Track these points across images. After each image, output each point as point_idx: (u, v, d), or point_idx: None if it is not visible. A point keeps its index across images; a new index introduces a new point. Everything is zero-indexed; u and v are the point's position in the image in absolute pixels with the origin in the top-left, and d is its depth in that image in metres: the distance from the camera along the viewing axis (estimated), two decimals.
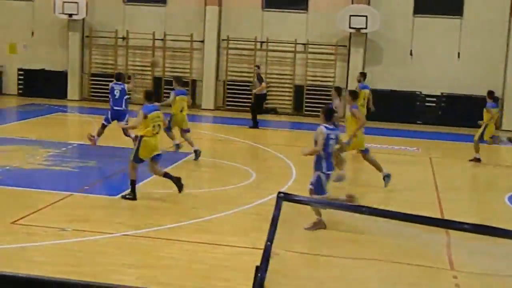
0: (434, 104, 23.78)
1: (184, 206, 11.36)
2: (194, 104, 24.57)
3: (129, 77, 17.96)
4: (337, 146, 10.60)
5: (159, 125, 11.57)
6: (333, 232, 9.70)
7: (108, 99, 16.04)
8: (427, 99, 23.82)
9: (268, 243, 2.36)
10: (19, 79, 25.98)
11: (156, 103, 12.10)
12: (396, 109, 23.50)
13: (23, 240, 8.93)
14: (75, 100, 25.09)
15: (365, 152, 13.50)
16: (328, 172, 10.10)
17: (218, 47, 24.80)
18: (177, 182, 11.64)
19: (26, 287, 2.24)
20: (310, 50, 24.25)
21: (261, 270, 2.16)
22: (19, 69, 25.91)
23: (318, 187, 10.03)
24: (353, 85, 23.84)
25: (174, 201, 11.75)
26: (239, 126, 21.24)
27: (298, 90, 24.39)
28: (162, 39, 24.96)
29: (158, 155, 11.59)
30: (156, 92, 24.99)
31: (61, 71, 25.21)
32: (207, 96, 24.75)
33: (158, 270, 8.22)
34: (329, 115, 10.10)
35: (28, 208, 10.58)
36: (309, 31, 24.16)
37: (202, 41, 24.75)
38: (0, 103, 24.32)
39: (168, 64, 25.14)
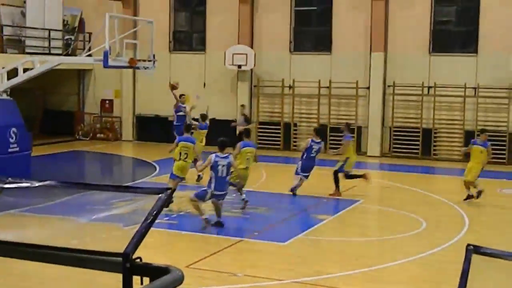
0: None
1: (352, 254, 11.22)
2: (359, 150, 24.48)
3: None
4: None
5: (186, 153, 14.34)
6: None
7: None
8: None
9: None
10: (192, 128, 27.22)
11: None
12: None
13: (197, 283, 9.21)
14: None
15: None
16: (216, 192, 12.41)
17: (384, 93, 24.60)
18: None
19: None
20: (480, 94, 23.36)
21: None
22: (192, 119, 27.15)
23: (200, 194, 12.56)
24: None
25: (342, 249, 11.65)
26: (406, 173, 20.79)
27: (469, 136, 23.43)
28: (327, 87, 25.19)
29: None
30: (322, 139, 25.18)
31: (231, 120, 26.13)
32: (373, 143, 24.51)
33: None
34: (220, 146, 12.68)
35: (201, 253, 10.95)
36: (480, 74, 23.32)
37: (368, 88, 24.67)
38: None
39: (334, 112, 25.26)
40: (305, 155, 16.35)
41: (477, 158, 15.62)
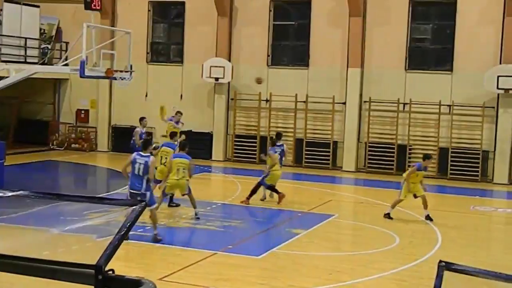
0: None
1: (326, 269, 11.23)
2: (334, 165, 24.60)
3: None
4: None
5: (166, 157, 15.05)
6: None
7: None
8: None
9: None
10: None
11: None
12: None
13: None
14: (219, 161, 25.82)
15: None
16: (131, 191, 12.58)
17: (360, 108, 24.76)
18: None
19: None
20: (455, 111, 23.62)
21: None
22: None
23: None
24: (502, 147, 22.93)
25: (316, 263, 11.65)
26: (381, 189, 20.89)
27: (443, 153, 23.70)
28: (304, 101, 25.29)
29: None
30: (298, 153, 25.28)
31: (207, 132, 26.13)
32: (348, 157, 24.63)
33: None
34: (143, 145, 13.09)
35: (174, 266, 10.88)
36: (454, 92, 23.59)
37: (344, 103, 24.82)
38: None
39: (310, 126, 25.35)
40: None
41: (415, 180, 15.60)
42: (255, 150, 25.76)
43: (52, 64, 25.41)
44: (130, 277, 2.98)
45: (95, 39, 17.77)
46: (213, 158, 26.01)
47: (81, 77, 17.50)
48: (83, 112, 28.33)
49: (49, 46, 27.58)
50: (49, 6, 27.67)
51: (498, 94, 22.73)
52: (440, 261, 2.53)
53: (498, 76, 22.12)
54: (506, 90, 22.15)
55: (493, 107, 23.17)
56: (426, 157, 16.29)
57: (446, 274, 2.65)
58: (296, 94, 25.24)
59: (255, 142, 25.86)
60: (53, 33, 28.07)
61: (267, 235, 14.01)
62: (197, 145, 25.44)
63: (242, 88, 26.28)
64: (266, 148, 25.30)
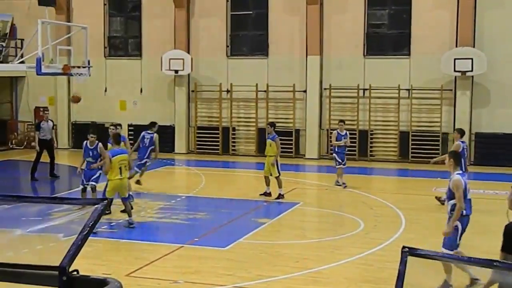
0: None
1: (292, 257, 11.29)
2: (297, 153, 24.69)
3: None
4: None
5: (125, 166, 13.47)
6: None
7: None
8: None
9: None
10: (129, 135, 26.93)
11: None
12: (505, 153, 22.68)
13: None
14: (182, 153, 25.71)
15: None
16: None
17: (320, 96, 24.88)
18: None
19: None
20: (414, 95, 23.88)
21: None
22: (129, 125, 26.90)
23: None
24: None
25: (283, 252, 11.70)
26: (345, 175, 21.02)
27: (403, 137, 23.98)
28: (264, 91, 25.31)
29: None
30: (261, 142, 25.30)
31: (169, 125, 25.98)
32: (311, 145, 24.76)
33: None
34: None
35: (141, 261, 10.83)
36: (413, 76, 23.85)
37: (305, 91, 24.91)
38: None
39: (271, 115, 25.38)
40: None
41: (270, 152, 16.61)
42: (218, 141, 25.73)
43: (7, 62, 24.97)
44: (95, 276, 2.95)
45: (51, 35, 17.50)
46: (175, 151, 25.90)
47: (37, 74, 17.23)
48: (42, 109, 27.91)
49: (4, 44, 27.09)
50: (2, 3, 27.20)
51: (455, 77, 23.04)
52: (404, 247, 2.55)
53: (455, 59, 22.40)
54: (463, 72, 22.46)
55: (451, 90, 23.48)
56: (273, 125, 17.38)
57: (410, 259, 2.69)
58: (257, 84, 25.25)
59: (218, 133, 25.83)
60: (7, 30, 27.58)
61: (233, 226, 14.01)
62: (159, 138, 25.23)
63: (202, 79, 26.18)
64: (229, 139, 25.38)
